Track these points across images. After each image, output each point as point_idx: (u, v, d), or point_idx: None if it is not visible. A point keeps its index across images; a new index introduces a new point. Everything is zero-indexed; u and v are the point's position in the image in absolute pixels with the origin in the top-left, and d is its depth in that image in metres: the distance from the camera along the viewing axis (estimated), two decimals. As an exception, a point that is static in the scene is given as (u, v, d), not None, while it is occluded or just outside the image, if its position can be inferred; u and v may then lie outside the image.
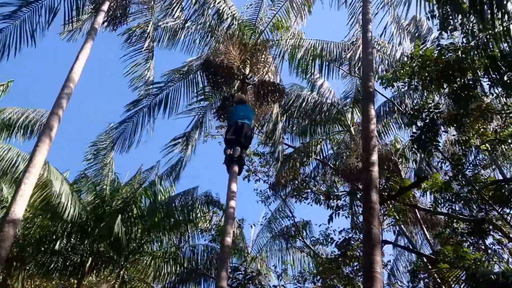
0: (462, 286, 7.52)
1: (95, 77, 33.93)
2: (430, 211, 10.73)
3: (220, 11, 10.43)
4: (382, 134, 12.96)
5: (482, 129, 8.76)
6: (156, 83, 10.90)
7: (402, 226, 12.05)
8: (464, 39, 7.58)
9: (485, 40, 7.08)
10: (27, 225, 11.74)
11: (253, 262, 13.80)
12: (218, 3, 10.35)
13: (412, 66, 8.16)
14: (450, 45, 7.69)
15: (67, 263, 11.74)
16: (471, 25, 7.35)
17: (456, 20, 7.54)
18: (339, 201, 11.40)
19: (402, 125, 12.48)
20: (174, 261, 12.68)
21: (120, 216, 11.33)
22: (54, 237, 11.58)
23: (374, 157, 6.26)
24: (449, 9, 7.43)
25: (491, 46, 7.05)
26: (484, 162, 11.57)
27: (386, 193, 9.91)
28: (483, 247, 10.07)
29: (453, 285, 8.25)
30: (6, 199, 11.52)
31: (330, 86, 13.60)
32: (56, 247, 11.52)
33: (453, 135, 10.25)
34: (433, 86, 8.03)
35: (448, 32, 7.77)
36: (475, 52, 7.22)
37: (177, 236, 12.99)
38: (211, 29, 10.66)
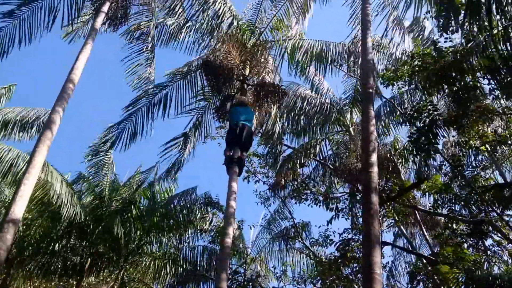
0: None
1: (95, 77, 33.95)
2: (429, 212, 10.72)
3: (220, 12, 10.44)
4: (382, 135, 12.94)
5: (482, 130, 8.76)
6: (158, 85, 10.88)
7: (402, 227, 12.04)
8: (463, 40, 7.58)
9: (484, 42, 7.07)
10: (25, 226, 11.70)
11: (252, 264, 13.79)
12: (218, 4, 10.35)
13: (413, 65, 8.16)
14: (449, 48, 7.69)
15: (67, 264, 11.70)
16: (470, 27, 7.34)
17: (456, 22, 7.53)
18: (338, 203, 11.40)
19: (402, 125, 12.45)
20: (174, 262, 12.63)
21: (119, 217, 11.32)
22: (53, 237, 11.55)
23: (374, 157, 6.26)
24: (448, 11, 7.43)
25: (490, 49, 7.04)
26: (484, 163, 11.56)
27: (385, 194, 9.90)
28: (482, 248, 10.07)
29: (452, 287, 8.24)
30: (7, 202, 11.47)
31: (330, 86, 13.62)
32: (56, 248, 11.50)
33: (453, 136, 10.25)
34: (433, 88, 8.02)
35: (449, 33, 7.78)
36: (474, 52, 7.22)
37: (176, 237, 12.99)
38: (211, 29, 10.66)
